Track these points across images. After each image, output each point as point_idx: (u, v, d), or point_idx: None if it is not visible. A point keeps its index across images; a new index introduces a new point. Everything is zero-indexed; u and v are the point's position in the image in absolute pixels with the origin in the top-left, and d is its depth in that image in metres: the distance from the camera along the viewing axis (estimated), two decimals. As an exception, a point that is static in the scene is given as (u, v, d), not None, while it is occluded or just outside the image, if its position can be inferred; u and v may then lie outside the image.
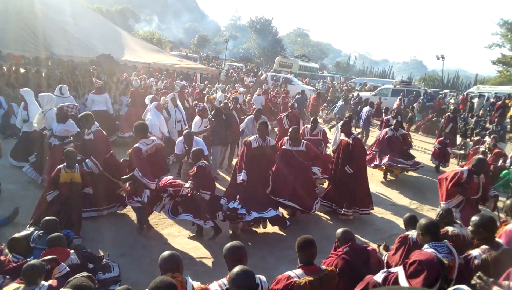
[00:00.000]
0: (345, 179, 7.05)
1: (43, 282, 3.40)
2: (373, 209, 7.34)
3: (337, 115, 14.79)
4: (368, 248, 3.89)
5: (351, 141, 7.03)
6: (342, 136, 7.32)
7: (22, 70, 14.08)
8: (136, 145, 5.90)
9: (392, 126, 9.90)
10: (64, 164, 5.65)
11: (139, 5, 68.00)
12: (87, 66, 15.31)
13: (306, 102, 16.90)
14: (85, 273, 3.41)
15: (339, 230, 3.96)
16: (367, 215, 7.23)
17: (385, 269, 3.51)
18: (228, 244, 3.08)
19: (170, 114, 9.48)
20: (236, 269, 2.62)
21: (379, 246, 4.48)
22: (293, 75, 29.89)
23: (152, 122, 8.17)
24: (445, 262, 3.14)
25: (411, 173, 10.99)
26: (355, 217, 7.28)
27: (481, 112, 18.85)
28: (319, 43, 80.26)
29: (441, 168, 11.41)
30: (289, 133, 6.83)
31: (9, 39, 12.22)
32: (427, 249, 3.24)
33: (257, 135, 6.36)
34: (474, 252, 3.44)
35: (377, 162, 9.52)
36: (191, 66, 19.80)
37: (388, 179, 9.98)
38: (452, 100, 23.58)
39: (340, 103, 15.57)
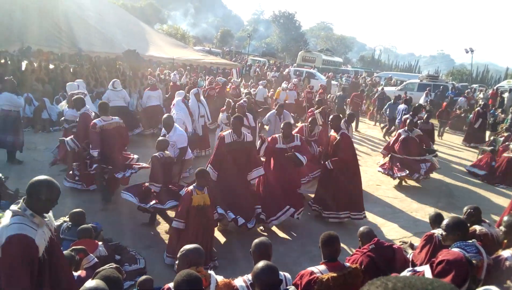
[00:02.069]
0: (334, 179, 6.59)
1: (73, 272, 3.51)
2: (365, 215, 6.75)
3: (388, 116, 14.35)
4: (394, 246, 3.84)
5: (338, 137, 6.56)
6: (332, 132, 6.84)
7: (51, 66, 14.50)
8: (94, 120, 6.39)
9: (406, 127, 9.10)
10: (194, 184, 5.00)
11: (163, 0, 68.68)
12: (113, 62, 15.62)
13: (346, 99, 16.35)
14: (113, 264, 3.49)
15: (362, 229, 3.93)
16: (360, 219, 6.62)
17: (410, 268, 3.46)
18: (257, 240, 3.13)
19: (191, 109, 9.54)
20: (261, 264, 2.64)
21: (403, 243, 4.42)
22: (317, 70, 29.62)
23: (177, 116, 8.23)
24: (473, 262, 3.07)
25: (440, 166, 10.78)
26: (378, 214, 7.20)
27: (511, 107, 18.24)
28: (343, 37, 78.91)
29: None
30: (282, 131, 6.38)
31: (38, 35, 12.61)
32: (455, 249, 3.18)
33: (231, 130, 5.90)
34: (506, 253, 3.35)
35: (393, 174, 8.73)
36: (214, 61, 19.90)
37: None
38: (481, 95, 22.87)
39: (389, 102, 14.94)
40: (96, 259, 3.92)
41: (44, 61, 14.64)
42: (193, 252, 3.04)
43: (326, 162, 6.64)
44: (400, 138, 8.93)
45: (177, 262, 3.07)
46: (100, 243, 4.45)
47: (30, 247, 2.49)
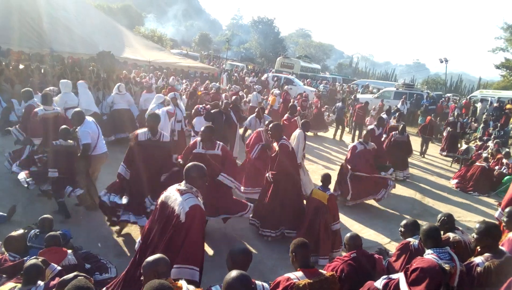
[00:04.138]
0: (274, 192, 6.07)
1: (39, 282, 3.37)
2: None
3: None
4: (375, 255, 3.85)
5: (277, 148, 6.07)
6: (275, 144, 6.27)
7: (21, 66, 14.02)
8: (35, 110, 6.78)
9: (362, 139, 8.44)
10: (320, 185, 5.86)
11: (140, 3, 68.01)
12: (87, 63, 15.24)
13: (344, 110, 15.99)
14: (79, 273, 3.34)
15: (348, 235, 3.91)
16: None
17: (385, 275, 3.46)
18: (238, 248, 3.05)
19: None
20: (234, 273, 2.55)
21: (379, 250, 4.44)
22: (295, 76, 29.83)
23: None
24: (447, 268, 3.09)
25: (415, 174, 10.95)
26: (356, 221, 7.25)
27: (483, 116, 18.82)
28: (322, 44, 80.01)
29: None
30: (201, 133, 5.94)
31: (9, 34, 12.16)
32: (429, 256, 3.20)
33: (147, 129, 5.59)
34: (477, 259, 3.39)
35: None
36: (191, 65, 19.70)
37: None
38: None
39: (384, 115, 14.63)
40: (59, 268, 3.77)
41: (14, 61, 14.15)
42: (158, 262, 2.85)
43: (266, 175, 6.16)
44: (355, 152, 7.97)
45: (142, 278, 2.85)
46: (69, 251, 4.27)
47: (203, 213, 3.58)
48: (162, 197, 3.70)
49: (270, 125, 6.41)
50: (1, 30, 11.93)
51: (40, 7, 13.30)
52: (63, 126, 6.19)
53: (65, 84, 9.19)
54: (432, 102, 21.44)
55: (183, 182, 3.63)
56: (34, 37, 12.32)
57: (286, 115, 9.75)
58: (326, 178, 5.80)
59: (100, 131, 6.45)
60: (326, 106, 19.29)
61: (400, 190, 9.49)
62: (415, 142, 13.70)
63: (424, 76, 57.89)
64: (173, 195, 3.60)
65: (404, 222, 4.34)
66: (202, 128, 5.96)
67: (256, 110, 9.31)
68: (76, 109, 6.55)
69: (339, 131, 15.53)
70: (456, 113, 15.55)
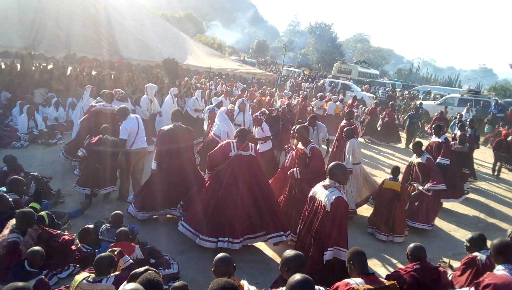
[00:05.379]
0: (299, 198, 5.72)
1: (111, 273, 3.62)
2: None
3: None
4: (439, 268, 3.72)
5: (308, 152, 5.77)
6: (299, 145, 6.04)
7: (93, 72, 15.08)
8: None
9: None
10: (390, 177, 6.85)
11: (201, 11, 70.34)
12: (153, 70, 16.06)
13: (420, 118, 15.42)
14: (149, 267, 3.54)
15: (412, 245, 3.79)
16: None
17: (450, 290, 3.35)
18: (292, 253, 3.04)
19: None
20: (297, 276, 2.57)
21: (442, 263, 4.27)
22: (352, 82, 29.28)
23: (221, 128, 8.14)
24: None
25: (479, 186, 10.35)
26: (417, 233, 6.99)
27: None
28: (380, 49, 77.76)
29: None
30: (236, 133, 5.82)
31: (84, 43, 13.05)
32: (500, 271, 3.05)
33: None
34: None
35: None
36: (249, 71, 20.02)
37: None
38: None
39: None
40: (131, 261, 4.02)
41: (87, 68, 15.26)
42: (224, 261, 3.01)
43: (294, 170, 5.83)
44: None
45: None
46: (137, 246, 4.55)
47: (346, 203, 4.09)
48: (310, 192, 4.37)
49: (297, 128, 6.17)
50: (78, 40, 12.85)
51: (111, 17, 14.18)
52: (104, 125, 6.83)
53: (151, 87, 10.28)
54: (501, 109, 20.02)
55: (327, 178, 4.23)
56: (106, 45, 13.16)
57: (343, 121, 9.55)
58: (395, 170, 6.80)
59: (141, 127, 6.77)
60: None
61: (463, 202, 8.98)
62: (481, 153, 12.83)
63: (492, 82, 54.29)
64: (319, 190, 4.23)
65: (469, 236, 4.10)
66: (238, 129, 5.93)
67: (308, 117, 9.09)
68: (121, 105, 7.14)
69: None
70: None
